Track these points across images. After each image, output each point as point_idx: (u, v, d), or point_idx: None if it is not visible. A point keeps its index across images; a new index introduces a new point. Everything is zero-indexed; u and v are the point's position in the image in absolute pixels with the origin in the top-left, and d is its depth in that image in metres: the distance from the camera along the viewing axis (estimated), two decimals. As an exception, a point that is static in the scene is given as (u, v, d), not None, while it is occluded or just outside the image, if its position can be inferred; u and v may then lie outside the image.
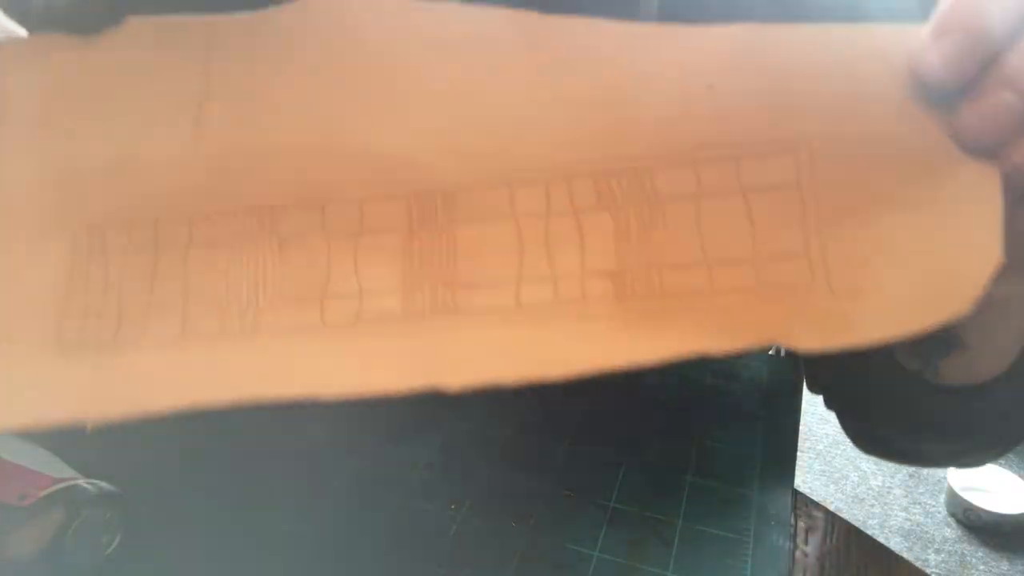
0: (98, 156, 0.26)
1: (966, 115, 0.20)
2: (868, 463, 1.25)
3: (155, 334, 0.24)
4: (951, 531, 1.25)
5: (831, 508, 0.43)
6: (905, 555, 0.56)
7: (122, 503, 0.36)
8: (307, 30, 0.25)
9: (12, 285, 0.25)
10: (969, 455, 0.38)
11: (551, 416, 0.43)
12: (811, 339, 0.22)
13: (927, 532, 1.25)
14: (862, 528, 0.42)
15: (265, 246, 0.25)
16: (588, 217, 0.23)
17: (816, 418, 1.26)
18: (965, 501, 1.21)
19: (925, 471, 1.31)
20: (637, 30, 0.24)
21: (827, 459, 1.25)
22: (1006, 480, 1.25)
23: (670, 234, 0.23)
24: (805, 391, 0.44)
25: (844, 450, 1.26)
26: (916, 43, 0.21)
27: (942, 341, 0.30)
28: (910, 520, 1.27)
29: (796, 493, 0.42)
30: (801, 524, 0.42)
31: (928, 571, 0.64)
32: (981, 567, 1.19)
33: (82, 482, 0.36)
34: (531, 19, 0.24)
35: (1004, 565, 1.20)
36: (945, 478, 1.26)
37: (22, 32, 0.31)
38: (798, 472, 0.41)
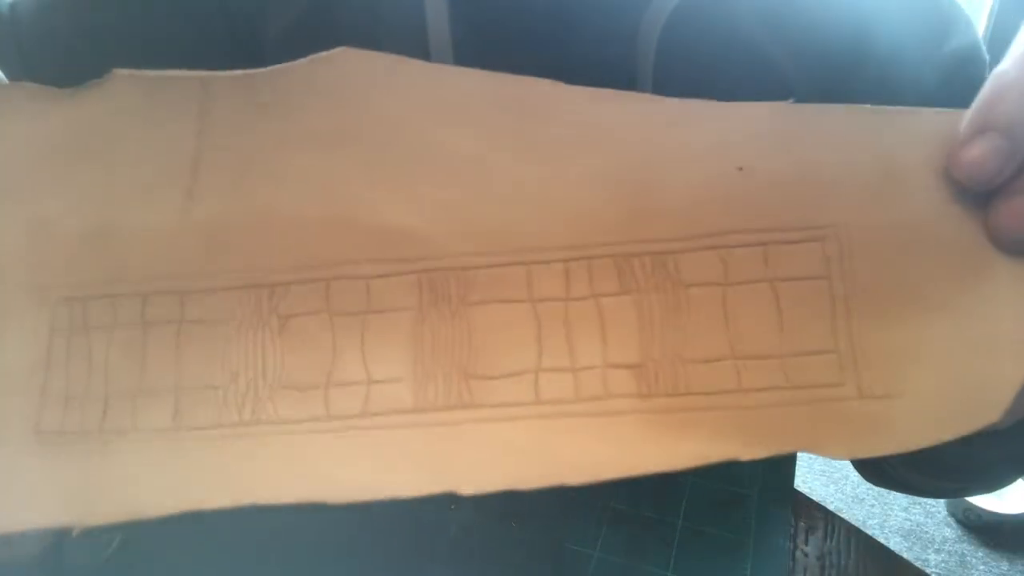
0: (78, 221, 0.23)
1: (1002, 213, 0.20)
2: (868, 463, 1.25)
3: (145, 425, 0.22)
4: (951, 531, 1.25)
5: (831, 508, 0.43)
6: (905, 555, 0.56)
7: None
8: (311, 92, 0.23)
9: None
10: (974, 491, 0.38)
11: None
12: (840, 447, 0.21)
13: (927, 532, 1.25)
14: (862, 528, 0.42)
15: (265, 327, 0.23)
16: (609, 302, 0.22)
17: (816, 418, 1.25)
18: (965, 501, 1.21)
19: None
20: (663, 105, 0.23)
21: (827, 459, 1.25)
22: (1006, 480, 1.25)
23: (695, 324, 0.21)
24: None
25: (844, 450, 1.25)
26: (953, 132, 0.20)
27: None
28: (910, 520, 1.27)
29: (796, 493, 0.42)
30: (801, 524, 0.42)
31: (928, 571, 0.64)
32: (981, 567, 1.19)
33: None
34: (554, 89, 0.23)
35: (1004, 565, 1.20)
36: (945, 478, 1.26)
37: None
38: (798, 472, 0.42)
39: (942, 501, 1.25)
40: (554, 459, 0.21)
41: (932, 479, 0.37)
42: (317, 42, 0.23)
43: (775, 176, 0.22)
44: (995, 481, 0.36)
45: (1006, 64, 0.19)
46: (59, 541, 0.34)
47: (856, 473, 0.44)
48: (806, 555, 0.41)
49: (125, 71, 0.23)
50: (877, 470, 0.40)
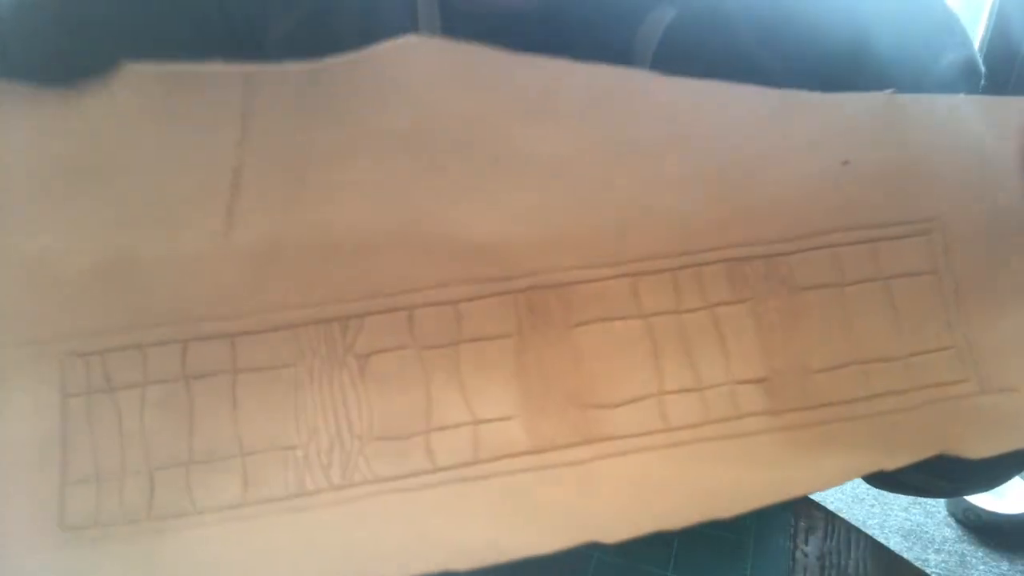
0: (86, 256, 0.18)
1: None
2: (868, 463, 1.25)
3: (208, 504, 0.18)
4: (951, 531, 1.25)
5: (831, 508, 0.43)
6: (905, 555, 0.56)
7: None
8: (372, 88, 0.19)
9: None
10: (971, 490, 0.38)
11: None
12: (977, 446, 0.20)
13: (927, 532, 1.25)
14: (862, 528, 0.42)
15: (342, 368, 0.19)
16: (725, 312, 0.20)
17: (816, 418, 1.25)
18: (965, 501, 1.21)
19: (925, 471, 1.31)
20: (762, 96, 0.21)
21: (827, 459, 1.24)
22: (1006, 480, 1.25)
23: (815, 330, 0.20)
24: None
25: (844, 450, 1.25)
26: None
27: None
28: (910, 520, 1.27)
29: (796, 493, 0.42)
30: (801, 524, 0.42)
31: (928, 571, 0.64)
32: (981, 567, 1.19)
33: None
34: (645, 80, 0.20)
35: (1004, 565, 1.20)
36: (945, 478, 1.26)
37: None
38: (798, 472, 0.41)
39: (942, 501, 1.25)
40: (697, 491, 0.19)
41: (934, 478, 0.37)
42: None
43: (877, 169, 0.21)
44: (994, 479, 0.36)
45: None
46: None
47: (856, 473, 0.44)
48: (806, 555, 0.41)
49: (138, 65, 0.18)
50: (884, 473, 0.40)
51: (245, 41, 0.34)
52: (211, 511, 0.18)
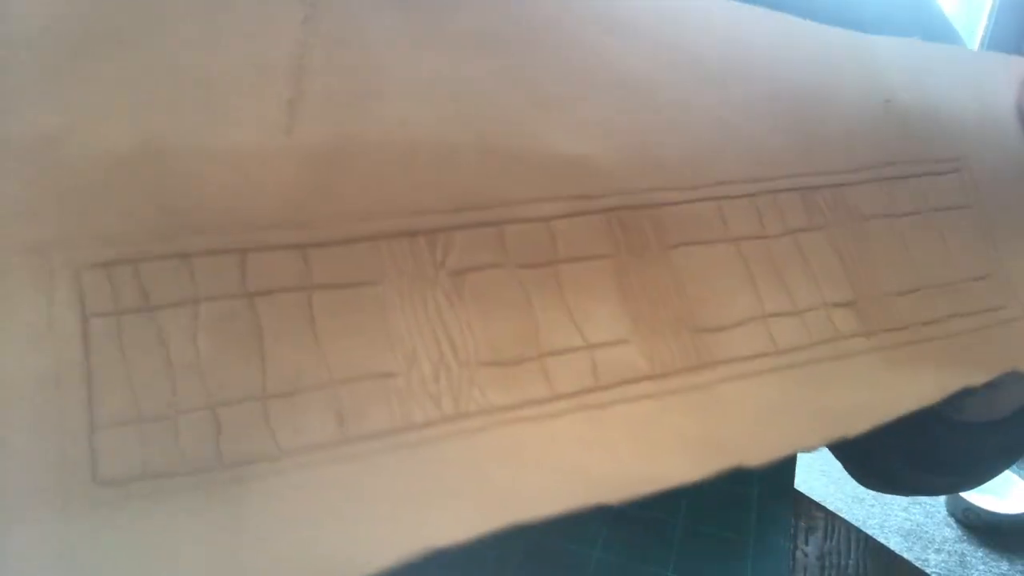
0: (112, 139, 0.15)
1: None
2: (868, 463, 1.25)
3: (295, 443, 0.15)
4: (951, 531, 1.25)
5: (831, 508, 0.43)
6: (905, 555, 0.56)
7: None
8: None
9: None
10: (965, 487, 0.38)
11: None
12: None
13: (927, 532, 1.25)
14: (862, 528, 0.42)
15: (436, 287, 0.17)
16: (805, 238, 0.20)
17: (816, 418, 1.25)
18: (965, 501, 1.21)
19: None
20: (812, 30, 0.21)
21: (827, 459, 1.24)
22: (1006, 480, 1.25)
23: (882, 257, 0.21)
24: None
25: (844, 450, 1.25)
26: None
27: None
28: (910, 520, 1.27)
29: (796, 493, 0.42)
30: (801, 524, 0.42)
31: (928, 571, 0.64)
32: (981, 567, 1.19)
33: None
34: (723, 6, 0.20)
35: (1004, 565, 1.20)
36: (945, 478, 1.27)
37: None
38: (798, 472, 0.42)
39: (942, 501, 1.25)
40: (818, 412, 0.19)
41: (927, 474, 0.37)
42: None
43: (914, 110, 0.22)
44: (986, 474, 0.36)
45: None
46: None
47: (856, 473, 0.44)
48: (806, 555, 0.41)
49: None
50: (876, 470, 0.40)
51: None
52: (302, 452, 0.15)
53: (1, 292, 0.14)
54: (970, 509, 1.21)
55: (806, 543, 0.42)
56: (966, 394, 0.29)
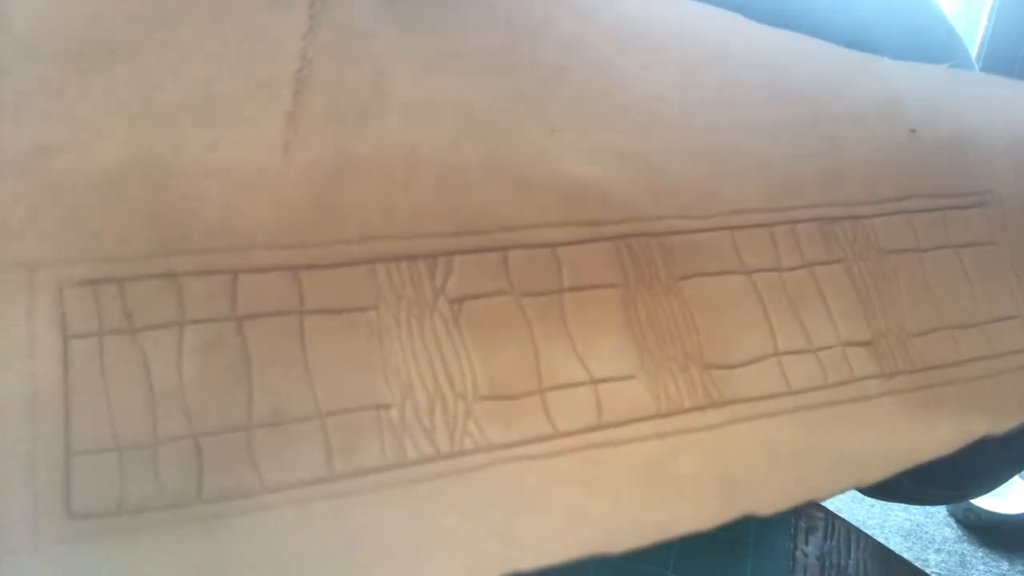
0: (106, 153, 0.14)
1: None
2: (868, 463, 1.25)
3: (280, 479, 0.14)
4: (951, 531, 1.25)
5: (831, 508, 0.43)
6: (905, 555, 0.56)
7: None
8: (460, 1, 0.17)
9: None
10: (969, 497, 0.38)
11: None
12: None
13: (927, 532, 1.25)
14: (862, 528, 0.42)
15: (434, 314, 0.16)
16: (823, 272, 0.20)
17: (816, 418, 1.25)
18: (965, 501, 1.21)
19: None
20: (841, 56, 0.21)
21: (827, 459, 1.24)
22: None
23: (904, 294, 0.20)
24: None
25: (844, 450, 1.25)
26: None
27: None
28: (910, 520, 1.27)
29: (796, 493, 0.42)
30: (801, 524, 0.42)
31: (928, 571, 0.64)
32: (981, 567, 1.19)
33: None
34: (735, 22, 0.20)
35: (1004, 565, 1.20)
36: (945, 478, 1.27)
37: None
38: (798, 472, 0.42)
39: (942, 501, 1.25)
40: (835, 459, 0.18)
41: (928, 486, 0.37)
42: None
43: (940, 141, 0.21)
44: (993, 484, 0.36)
45: None
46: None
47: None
48: (806, 555, 0.41)
49: None
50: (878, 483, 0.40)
51: None
52: (287, 487, 0.14)
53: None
54: (970, 509, 1.21)
55: (806, 543, 0.42)
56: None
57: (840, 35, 0.32)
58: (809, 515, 0.43)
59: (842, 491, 0.18)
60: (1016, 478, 1.24)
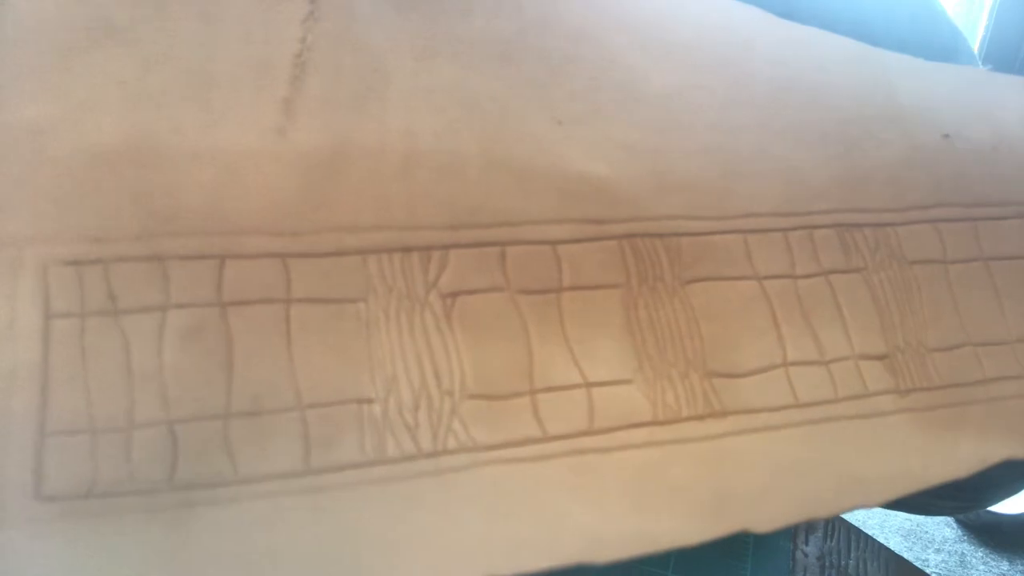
0: (98, 132, 0.14)
1: None
2: (868, 463, 1.25)
3: (255, 471, 0.13)
4: (951, 531, 1.25)
5: (831, 508, 0.43)
6: (905, 555, 0.56)
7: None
8: None
9: None
10: (975, 509, 0.38)
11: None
12: None
13: (927, 532, 1.25)
14: (862, 528, 0.42)
15: (424, 308, 0.15)
16: (839, 280, 0.19)
17: (816, 418, 1.25)
18: (965, 501, 1.21)
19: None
20: (870, 56, 0.20)
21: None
22: (1006, 480, 1.25)
23: (926, 306, 0.19)
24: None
25: (844, 450, 1.25)
26: None
27: None
28: (910, 520, 1.27)
29: (796, 493, 0.42)
30: (801, 524, 0.42)
31: (928, 571, 0.64)
32: (981, 567, 1.19)
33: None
34: (759, 19, 0.19)
35: (1004, 565, 1.20)
36: (945, 478, 1.27)
37: None
38: (798, 472, 0.42)
39: (942, 501, 1.25)
40: (842, 476, 0.17)
41: (937, 499, 0.37)
42: None
43: (973, 147, 0.20)
44: (1004, 497, 0.36)
45: None
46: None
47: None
48: (806, 555, 0.41)
49: None
50: None
51: None
52: (261, 479, 0.13)
53: None
54: (970, 509, 1.20)
55: (806, 543, 0.42)
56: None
57: (840, 33, 0.32)
58: (809, 515, 0.43)
59: (846, 511, 0.17)
60: (1016, 478, 1.24)
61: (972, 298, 0.20)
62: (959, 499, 0.36)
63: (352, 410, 0.14)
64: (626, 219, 0.17)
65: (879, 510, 1.27)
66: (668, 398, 0.17)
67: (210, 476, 0.13)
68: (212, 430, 0.13)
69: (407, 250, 0.15)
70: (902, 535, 1.24)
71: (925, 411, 0.19)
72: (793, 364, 0.18)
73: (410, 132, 0.16)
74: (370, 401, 0.15)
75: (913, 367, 0.19)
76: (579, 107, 0.17)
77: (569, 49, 0.17)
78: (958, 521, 1.25)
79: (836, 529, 0.42)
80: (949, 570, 1.16)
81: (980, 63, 0.34)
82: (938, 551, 1.20)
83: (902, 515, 1.25)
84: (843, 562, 0.41)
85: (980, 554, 1.19)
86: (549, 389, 0.16)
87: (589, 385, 0.16)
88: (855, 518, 1.24)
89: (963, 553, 1.19)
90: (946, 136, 0.20)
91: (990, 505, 0.39)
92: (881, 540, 0.48)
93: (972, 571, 1.16)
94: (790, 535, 0.38)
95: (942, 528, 1.25)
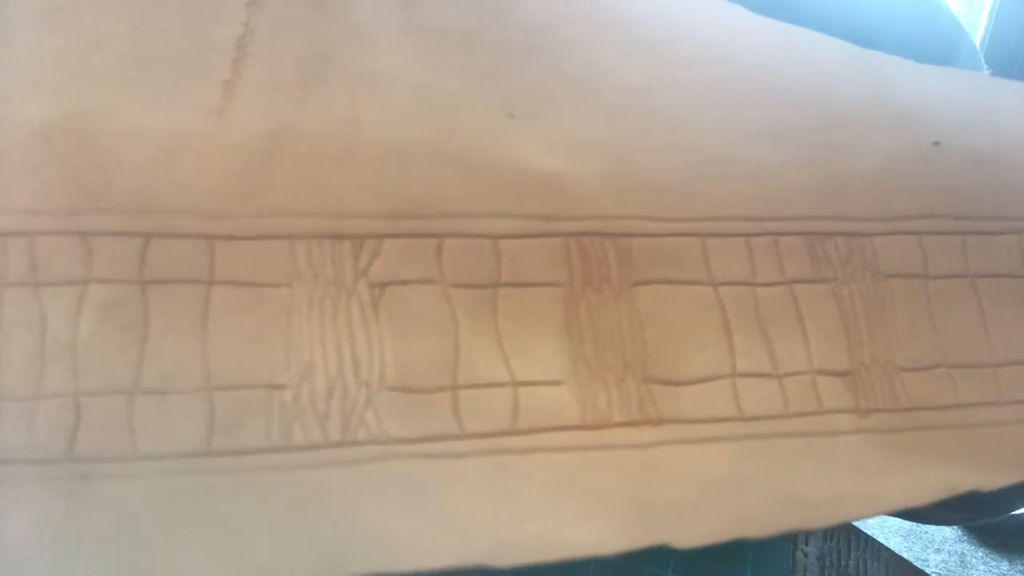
0: (33, 107, 0.14)
1: None
2: (868, 463, 1.25)
3: (154, 450, 0.13)
4: (951, 531, 1.25)
5: (831, 508, 0.43)
6: (905, 555, 0.56)
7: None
8: None
9: None
10: (978, 519, 0.39)
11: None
12: None
13: (927, 532, 1.25)
14: (862, 528, 0.42)
15: (351, 297, 0.15)
16: (804, 291, 0.18)
17: (816, 418, 1.26)
18: (965, 501, 1.21)
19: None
20: (856, 56, 0.19)
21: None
22: (1006, 480, 1.25)
23: (899, 323, 0.18)
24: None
25: (844, 450, 1.25)
26: None
27: None
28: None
29: (796, 493, 0.42)
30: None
31: (928, 571, 0.64)
32: (981, 567, 1.19)
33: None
34: (733, 13, 0.18)
35: (1004, 565, 1.20)
36: (945, 478, 1.27)
37: None
38: (798, 472, 0.42)
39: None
40: (782, 496, 0.16)
41: (942, 510, 0.37)
42: None
43: (967, 156, 0.19)
44: (1007, 509, 0.36)
45: None
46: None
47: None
48: (806, 555, 0.41)
49: None
50: None
51: None
52: (159, 458, 0.13)
53: None
54: (970, 509, 1.20)
55: (806, 543, 0.42)
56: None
57: (841, 32, 0.32)
58: (809, 515, 0.43)
59: (782, 532, 0.16)
60: (1016, 478, 1.24)
61: (953, 317, 0.18)
62: (960, 511, 0.35)
63: (262, 395, 0.14)
64: (576, 217, 0.17)
65: (879, 510, 1.27)
66: (600, 402, 0.16)
67: (109, 451, 0.13)
68: (117, 405, 0.14)
69: (338, 237, 0.15)
70: (902, 535, 1.24)
71: (886, 433, 0.17)
72: (742, 375, 0.17)
73: (353, 119, 0.16)
74: (282, 387, 0.14)
75: (878, 386, 0.18)
76: (535, 101, 0.17)
77: (530, 42, 0.17)
78: (958, 521, 1.25)
79: (836, 529, 0.42)
80: (949, 570, 1.16)
81: (982, 57, 0.34)
82: (938, 551, 1.20)
83: (902, 515, 1.25)
84: (843, 562, 0.41)
85: (980, 554, 1.19)
86: (473, 386, 0.15)
87: (516, 384, 0.16)
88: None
89: (963, 553, 1.19)
90: (936, 144, 0.19)
91: (996, 517, 0.38)
92: (881, 540, 0.48)
93: (972, 571, 1.16)
94: (790, 535, 0.38)
95: (942, 528, 1.25)
